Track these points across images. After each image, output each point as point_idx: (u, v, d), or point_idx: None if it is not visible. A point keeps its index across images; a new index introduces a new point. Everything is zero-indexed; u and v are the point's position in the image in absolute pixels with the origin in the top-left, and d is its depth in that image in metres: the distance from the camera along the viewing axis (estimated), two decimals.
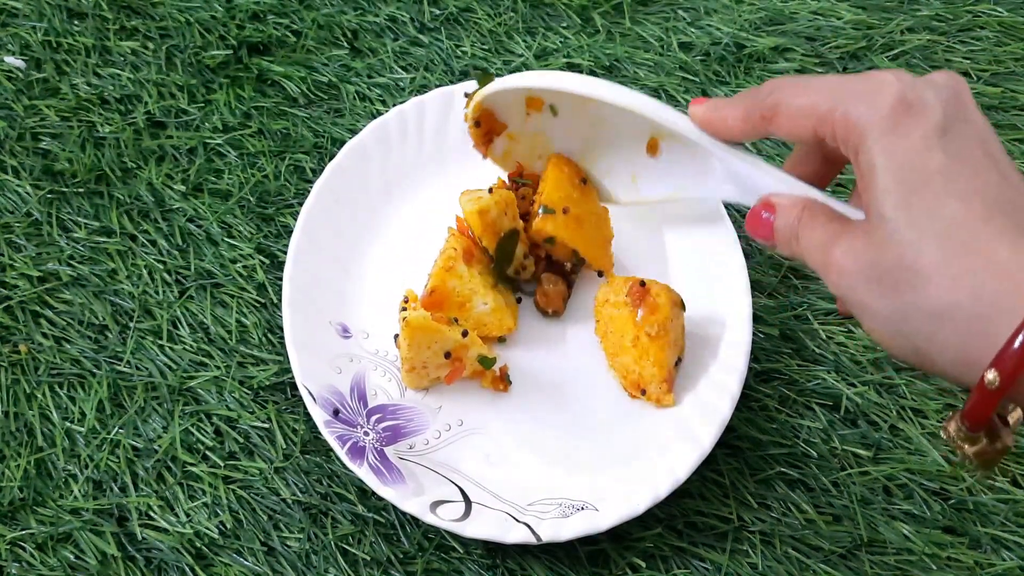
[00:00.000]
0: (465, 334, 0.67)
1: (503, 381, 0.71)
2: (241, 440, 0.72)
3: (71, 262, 0.80)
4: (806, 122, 0.50)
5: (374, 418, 0.69)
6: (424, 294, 0.71)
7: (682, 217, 0.78)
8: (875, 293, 0.46)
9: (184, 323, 0.77)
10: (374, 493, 0.65)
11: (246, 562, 0.68)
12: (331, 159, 0.79)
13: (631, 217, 0.79)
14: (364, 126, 0.81)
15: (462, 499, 0.66)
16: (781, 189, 0.55)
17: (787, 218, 0.53)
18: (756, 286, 0.79)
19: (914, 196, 0.44)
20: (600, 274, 0.75)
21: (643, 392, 0.70)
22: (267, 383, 0.74)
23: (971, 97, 0.47)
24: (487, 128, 0.72)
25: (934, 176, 0.44)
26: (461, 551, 0.68)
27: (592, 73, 0.91)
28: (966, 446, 0.45)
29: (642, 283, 0.70)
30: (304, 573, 0.67)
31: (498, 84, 0.68)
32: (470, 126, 0.72)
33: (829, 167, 0.58)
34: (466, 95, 0.71)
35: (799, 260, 0.52)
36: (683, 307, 0.71)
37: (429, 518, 0.63)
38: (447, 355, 0.68)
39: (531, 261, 0.74)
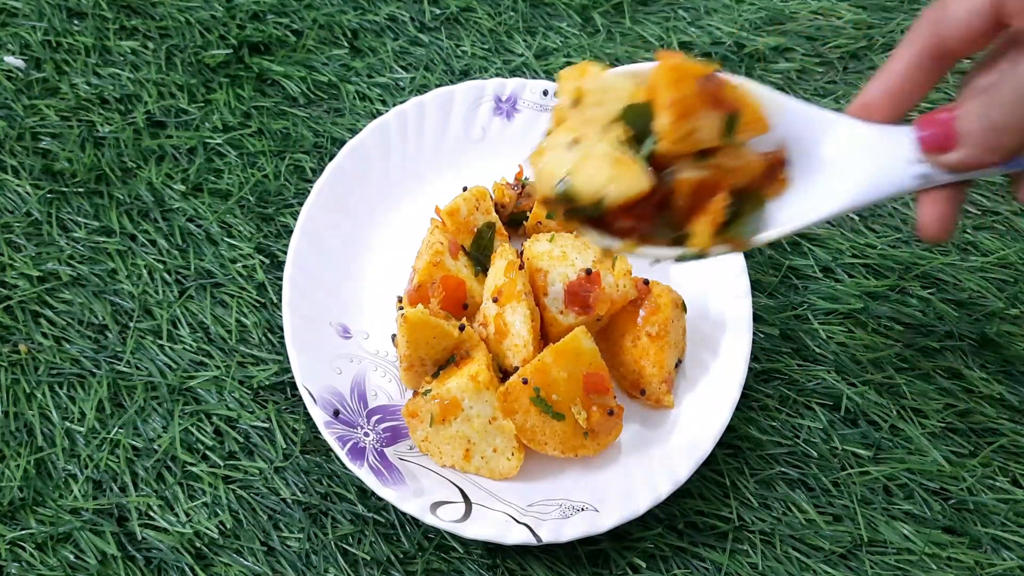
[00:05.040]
0: (462, 328, 0.67)
1: None
2: (241, 440, 0.72)
3: (71, 262, 0.80)
4: None
5: (374, 419, 0.69)
6: (411, 288, 0.71)
7: None
8: None
9: (184, 323, 0.77)
10: (374, 493, 0.66)
11: (246, 562, 0.68)
12: (331, 159, 0.79)
13: None
14: (364, 126, 0.81)
15: (462, 500, 0.66)
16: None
17: (971, 107, 0.49)
18: (756, 286, 0.79)
19: None
20: None
21: (642, 392, 0.70)
22: (267, 383, 0.74)
23: None
24: None
25: None
26: (461, 551, 0.68)
27: None
28: None
29: (645, 282, 0.71)
30: (304, 573, 0.67)
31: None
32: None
33: (934, 75, 0.53)
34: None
35: (990, 144, 0.48)
36: (684, 309, 0.71)
37: (429, 519, 0.63)
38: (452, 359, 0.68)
39: None
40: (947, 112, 0.50)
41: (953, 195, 0.53)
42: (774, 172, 0.56)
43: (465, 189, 0.74)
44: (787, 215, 0.56)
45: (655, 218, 0.55)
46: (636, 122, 0.54)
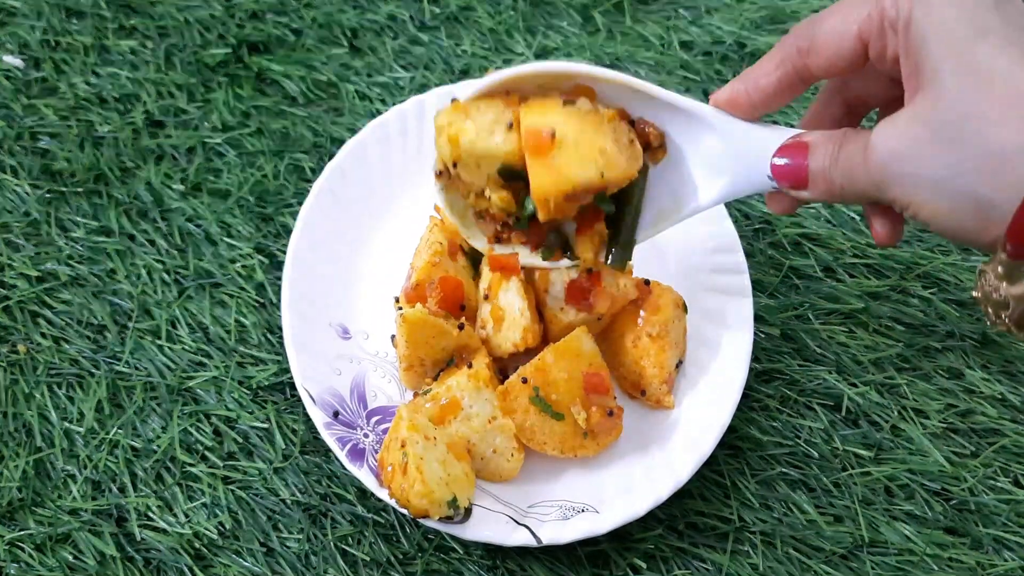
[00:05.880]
0: (461, 327, 0.67)
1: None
2: (240, 440, 0.72)
3: (70, 262, 0.80)
4: (849, 28, 0.49)
5: (374, 420, 0.69)
6: (408, 287, 0.71)
7: None
8: (929, 155, 0.44)
9: (183, 323, 0.77)
10: (374, 494, 0.65)
11: (245, 563, 0.67)
12: (331, 159, 0.79)
13: None
14: (364, 125, 0.81)
15: None
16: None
17: (824, 150, 0.51)
18: (757, 286, 0.78)
19: (973, 50, 0.44)
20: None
21: (642, 393, 0.70)
22: (266, 383, 0.74)
23: None
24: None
25: (990, 33, 0.44)
26: (461, 552, 0.68)
27: None
28: (1003, 285, 0.44)
29: (646, 282, 0.70)
30: (303, 574, 0.67)
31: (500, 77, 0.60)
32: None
33: (849, 115, 0.56)
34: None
35: (834, 196, 0.50)
36: (685, 310, 0.71)
37: (429, 520, 0.63)
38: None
39: None
40: (803, 150, 0.52)
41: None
42: (652, 149, 0.62)
43: None
44: (653, 216, 0.63)
45: (546, 234, 0.65)
46: (512, 186, 0.61)
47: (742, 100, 0.55)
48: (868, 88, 0.55)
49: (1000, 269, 0.44)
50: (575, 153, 0.58)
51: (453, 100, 0.60)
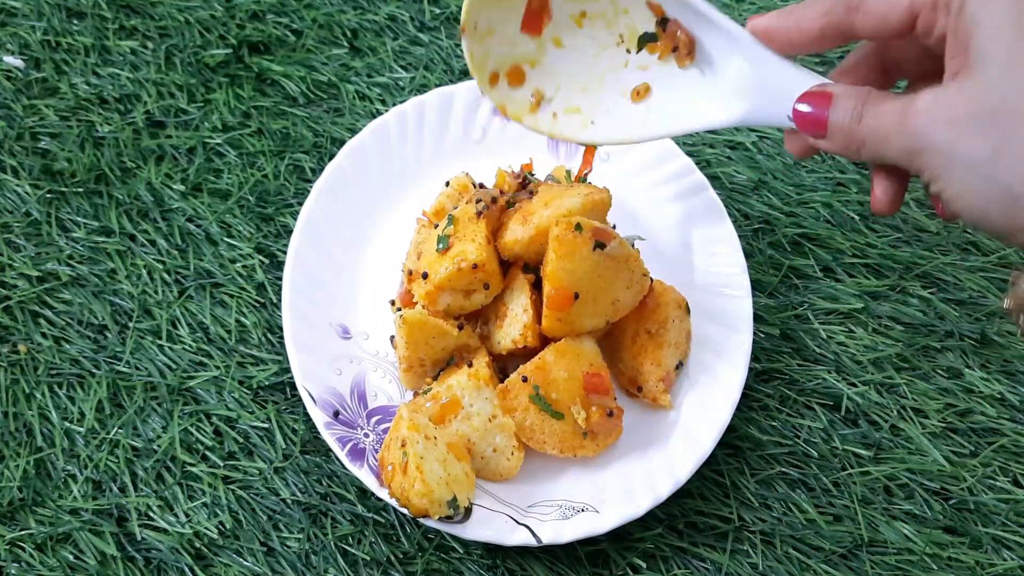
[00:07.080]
0: (461, 327, 0.67)
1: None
2: (241, 440, 0.72)
3: (70, 262, 0.80)
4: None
5: (374, 419, 0.69)
6: (403, 291, 0.71)
7: (684, 217, 0.78)
8: (971, 135, 0.45)
9: (183, 323, 0.77)
10: (374, 493, 0.65)
11: (246, 562, 0.68)
12: (331, 159, 0.79)
13: (634, 217, 0.79)
14: (364, 126, 0.81)
15: None
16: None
17: (847, 104, 0.51)
18: (756, 286, 0.79)
19: (1022, 46, 0.44)
20: None
21: (639, 389, 0.70)
22: (267, 383, 0.74)
23: None
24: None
25: None
26: (461, 551, 0.68)
27: None
28: None
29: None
30: (304, 573, 0.67)
31: None
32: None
33: (882, 75, 0.56)
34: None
35: (852, 151, 0.50)
36: (688, 311, 0.71)
37: (429, 520, 0.63)
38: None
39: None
40: (826, 100, 0.52)
41: None
42: (680, 53, 0.62)
43: (447, 184, 0.74)
44: (668, 118, 0.63)
45: None
46: None
47: (780, 35, 0.55)
48: (907, 55, 0.55)
49: None
50: (592, 307, 0.64)
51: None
